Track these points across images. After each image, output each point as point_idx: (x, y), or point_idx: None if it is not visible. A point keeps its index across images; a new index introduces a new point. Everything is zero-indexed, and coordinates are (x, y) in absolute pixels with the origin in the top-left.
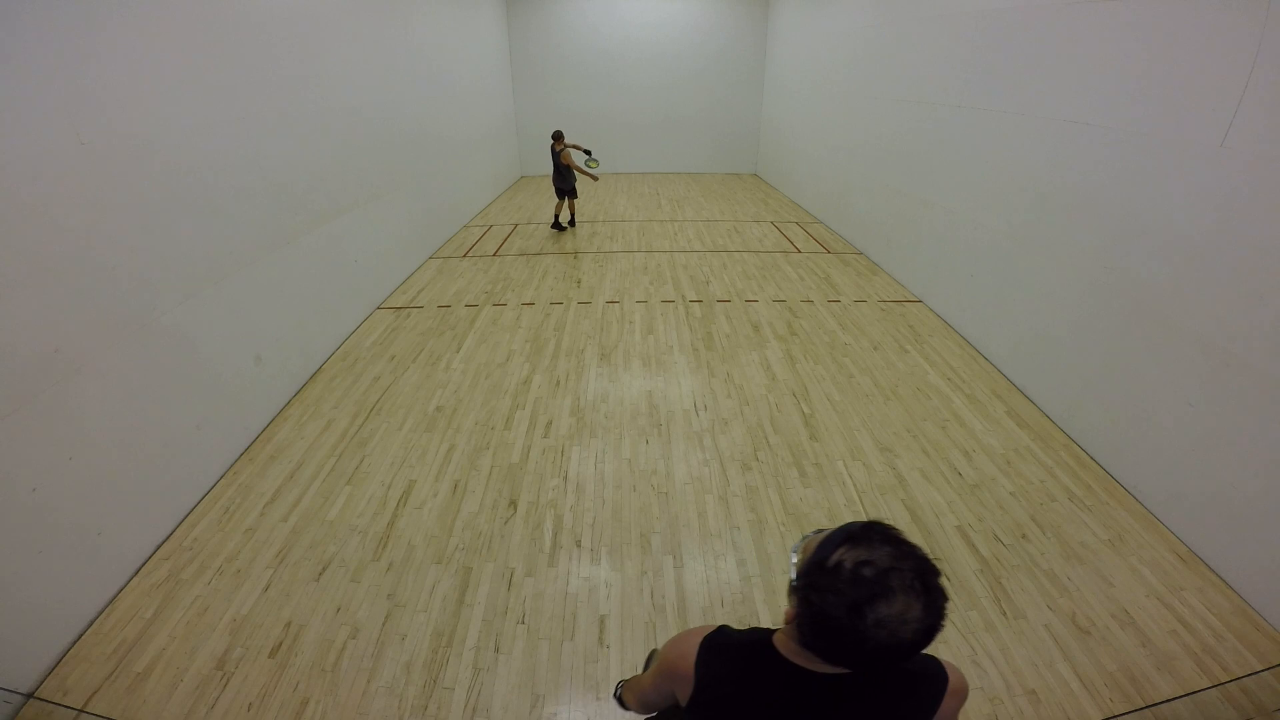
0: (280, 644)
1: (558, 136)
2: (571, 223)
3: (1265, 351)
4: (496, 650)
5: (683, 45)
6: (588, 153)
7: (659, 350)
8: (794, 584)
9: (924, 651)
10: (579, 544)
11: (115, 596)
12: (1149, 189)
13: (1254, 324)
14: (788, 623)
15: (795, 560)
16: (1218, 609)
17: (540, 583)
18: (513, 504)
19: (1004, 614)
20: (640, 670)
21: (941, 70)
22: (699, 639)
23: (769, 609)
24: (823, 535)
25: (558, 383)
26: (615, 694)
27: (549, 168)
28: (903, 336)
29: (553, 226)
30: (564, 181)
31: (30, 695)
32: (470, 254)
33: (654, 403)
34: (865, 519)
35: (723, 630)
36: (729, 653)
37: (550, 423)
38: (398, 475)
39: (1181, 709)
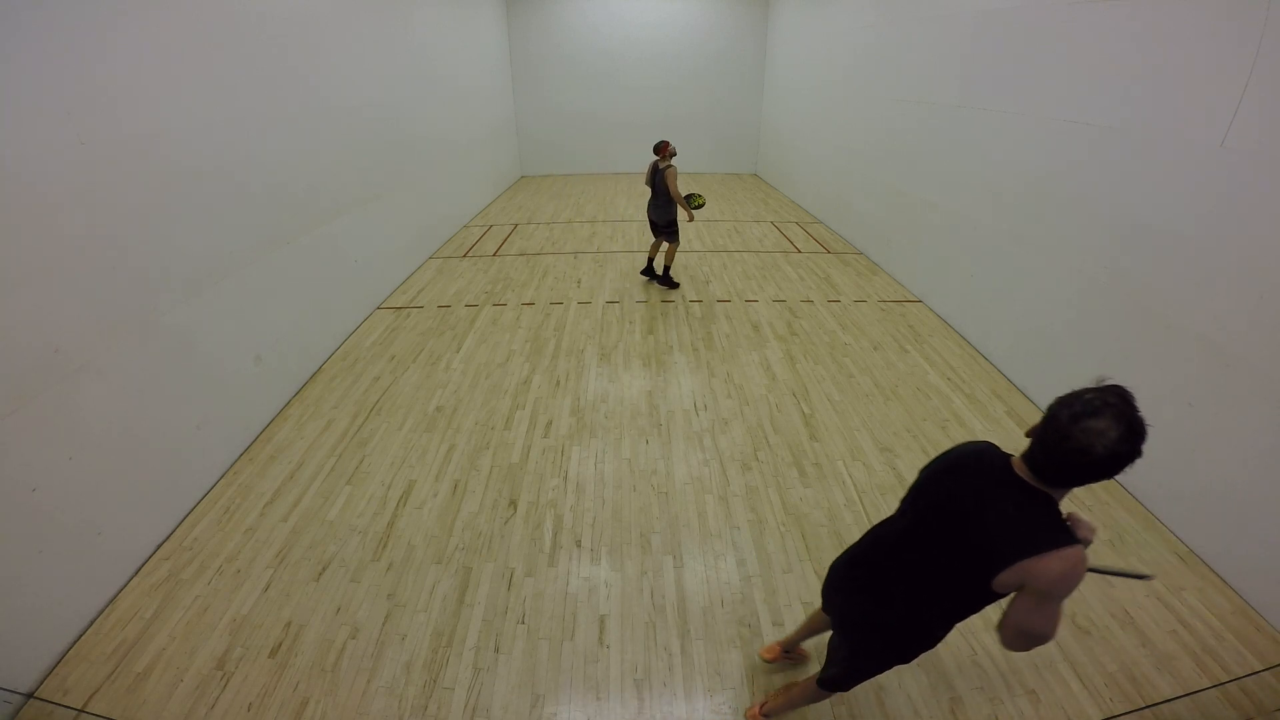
0: (280, 644)
1: (661, 149)
2: (666, 278)
3: (1265, 351)
4: (496, 650)
5: (683, 45)
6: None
7: (659, 350)
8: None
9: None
10: (579, 544)
11: (115, 596)
12: (1149, 189)
13: (1254, 324)
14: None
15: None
16: (1218, 609)
17: (540, 583)
18: (513, 504)
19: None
20: None
21: (941, 70)
22: (980, 443)
23: (769, 609)
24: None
25: (558, 383)
26: None
27: (549, 167)
28: (903, 336)
29: (644, 273)
30: (660, 213)
31: (30, 695)
32: (470, 254)
33: (654, 403)
34: (867, 519)
35: (991, 444)
36: (986, 449)
37: (550, 423)
38: (398, 475)
39: (1181, 709)
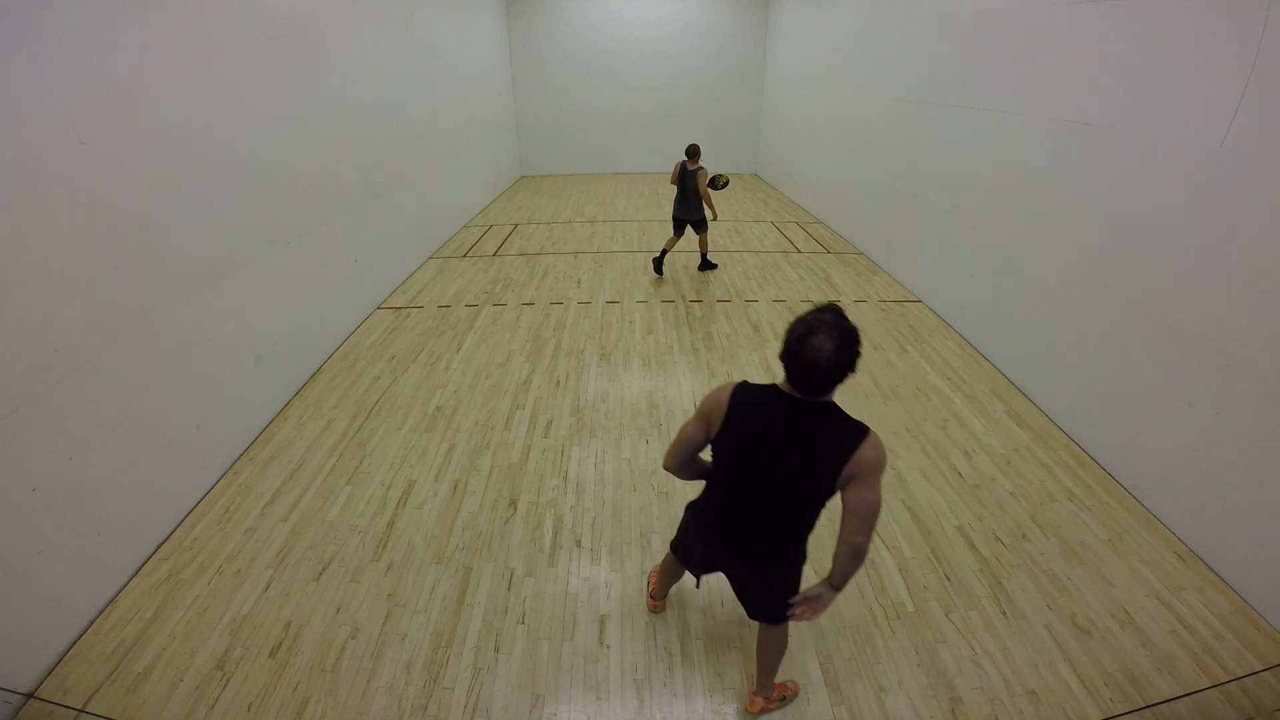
0: (280, 644)
1: (694, 153)
2: (706, 263)
3: (1265, 351)
4: (496, 650)
5: (683, 45)
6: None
7: (659, 350)
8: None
9: (862, 428)
10: (579, 544)
11: (115, 596)
12: (1149, 189)
13: (1254, 324)
14: None
15: None
16: (1218, 609)
17: (540, 583)
18: (513, 504)
19: (1004, 614)
20: None
21: (941, 70)
22: (734, 384)
23: None
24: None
25: (558, 383)
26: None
27: (550, 167)
28: (903, 336)
29: (655, 261)
30: (691, 211)
31: (30, 695)
32: (470, 254)
33: (654, 402)
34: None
35: (746, 381)
36: (753, 388)
37: (550, 423)
38: (398, 475)
39: (1181, 709)
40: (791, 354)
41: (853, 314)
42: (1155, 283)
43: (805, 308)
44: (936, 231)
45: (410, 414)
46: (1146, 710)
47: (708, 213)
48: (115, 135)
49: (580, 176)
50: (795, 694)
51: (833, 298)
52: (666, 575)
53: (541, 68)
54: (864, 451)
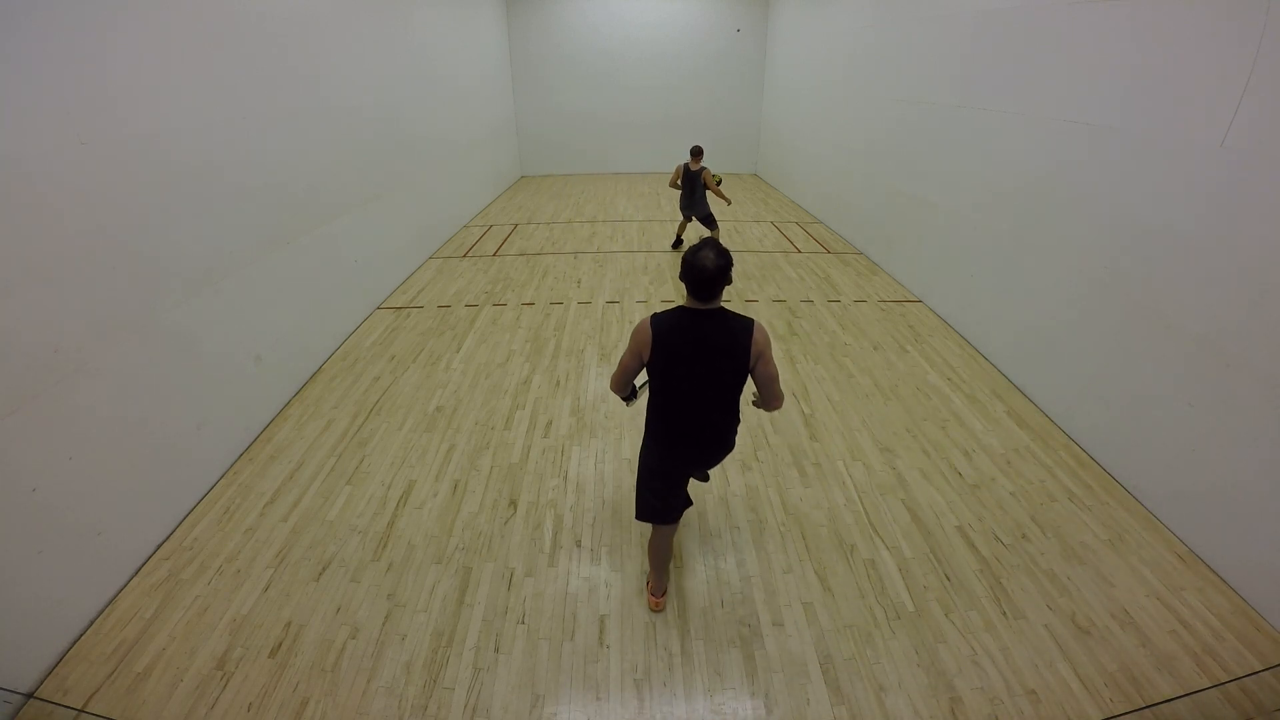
0: (280, 644)
1: (698, 153)
2: None
3: (1265, 351)
4: (496, 650)
5: (683, 45)
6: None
7: None
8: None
9: (753, 324)
10: (579, 544)
11: (115, 596)
12: (1149, 189)
13: (1254, 324)
14: None
15: None
16: (1218, 609)
17: (540, 583)
18: (513, 504)
19: (1004, 614)
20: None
21: (941, 70)
22: (649, 317)
23: (769, 609)
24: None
25: (558, 383)
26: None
27: (549, 167)
28: (903, 336)
29: (675, 246)
30: (700, 208)
31: (30, 695)
32: (470, 254)
33: None
34: (867, 518)
35: (656, 312)
36: (666, 315)
37: (550, 423)
38: (398, 475)
39: (1181, 709)
40: (688, 267)
41: (852, 314)
42: (1155, 283)
43: (806, 308)
44: (936, 231)
45: (410, 414)
46: (1146, 710)
47: (722, 201)
48: (115, 135)
49: (580, 176)
50: None
51: (833, 297)
52: (656, 555)
53: (541, 68)
54: (757, 334)
